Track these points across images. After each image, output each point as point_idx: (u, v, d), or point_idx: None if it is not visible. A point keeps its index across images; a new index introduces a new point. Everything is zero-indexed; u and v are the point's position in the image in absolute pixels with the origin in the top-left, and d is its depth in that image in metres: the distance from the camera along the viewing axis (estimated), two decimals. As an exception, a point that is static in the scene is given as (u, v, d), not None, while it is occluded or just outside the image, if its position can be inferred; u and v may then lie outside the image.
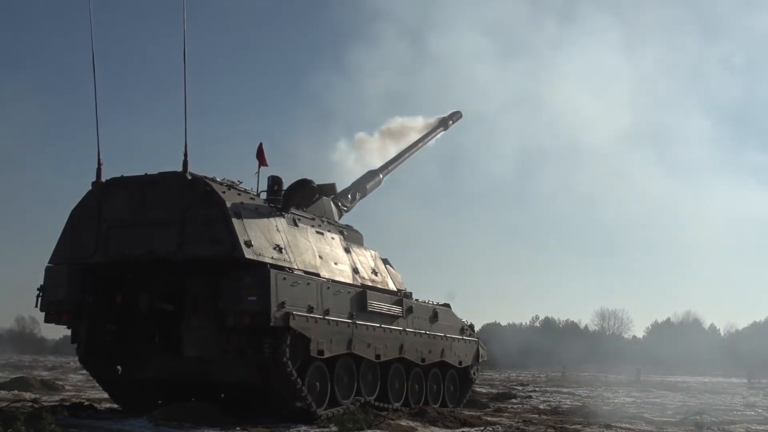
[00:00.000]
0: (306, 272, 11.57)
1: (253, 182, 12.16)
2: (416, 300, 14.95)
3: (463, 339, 16.41)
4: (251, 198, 11.63)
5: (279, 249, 11.15)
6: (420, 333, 14.46)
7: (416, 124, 20.16)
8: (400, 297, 14.20)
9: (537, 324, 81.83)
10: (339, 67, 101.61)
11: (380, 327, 13.06)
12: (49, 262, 11.68)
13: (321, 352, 11.44)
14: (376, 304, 13.04)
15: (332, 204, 14.93)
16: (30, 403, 12.38)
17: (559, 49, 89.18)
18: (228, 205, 10.67)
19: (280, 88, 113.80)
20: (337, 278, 12.43)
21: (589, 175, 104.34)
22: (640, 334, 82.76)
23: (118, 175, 11.61)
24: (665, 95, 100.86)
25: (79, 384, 22.38)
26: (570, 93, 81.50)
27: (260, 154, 12.26)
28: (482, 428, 11.92)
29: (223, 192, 10.91)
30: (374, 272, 14.03)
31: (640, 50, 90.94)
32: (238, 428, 10.21)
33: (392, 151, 19.00)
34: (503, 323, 79.41)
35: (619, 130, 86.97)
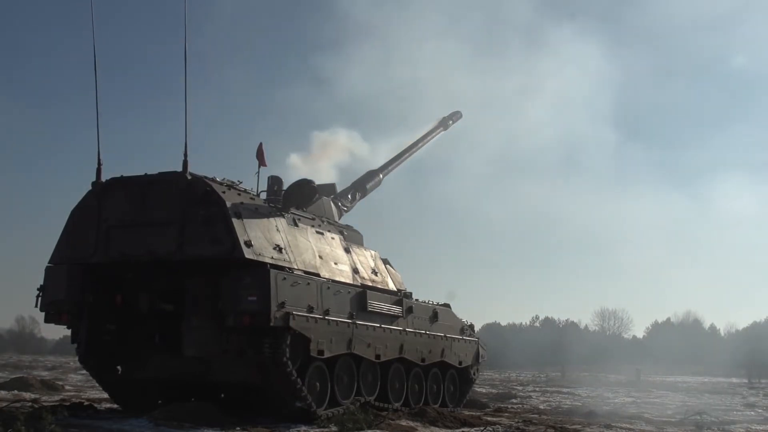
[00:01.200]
0: (306, 272, 11.56)
1: (253, 182, 12.18)
2: (416, 300, 14.94)
3: (463, 339, 16.40)
4: (251, 198, 11.62)
5: (279, 249, 11.14)
6: (420, 333, 14.45)
7: (340, 140, 19.40)
8: (400, 297, 14.19)
9: (537, 324, 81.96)
10: (315, 76, 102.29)
11: (380, 327, 13.05)
12: (49, 262, 11.67)
13: (321, 352, 11.43)
14: (376, 304, 13.03)
15: (332, 204, 14.92)
16: (30, 403, 12.39)
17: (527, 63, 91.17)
18: (228, 205, 10.66)
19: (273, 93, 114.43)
20: (337, 278, 12.42)
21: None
22: (640, 334, 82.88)
23: (118, 175, 11.61)
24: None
25: (79, 384, 22.38)
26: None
27: (260, 154, 12.26)
28: (482, 428, 11.91)
29: (223, 192, 10.90)
30: (374, 272, 14.03)
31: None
32: (238, 428, 10.20)
33: (331, 174, 18.16)
34: (503, 323, 79.62)
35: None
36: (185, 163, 10.95)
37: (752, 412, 18.68)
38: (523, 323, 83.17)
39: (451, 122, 21.93)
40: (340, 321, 11.93)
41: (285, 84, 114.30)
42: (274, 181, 12.56)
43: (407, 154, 19.61)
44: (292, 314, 10.71)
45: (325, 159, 17.81)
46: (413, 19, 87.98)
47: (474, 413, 14.94)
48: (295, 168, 15.96)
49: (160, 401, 11.95)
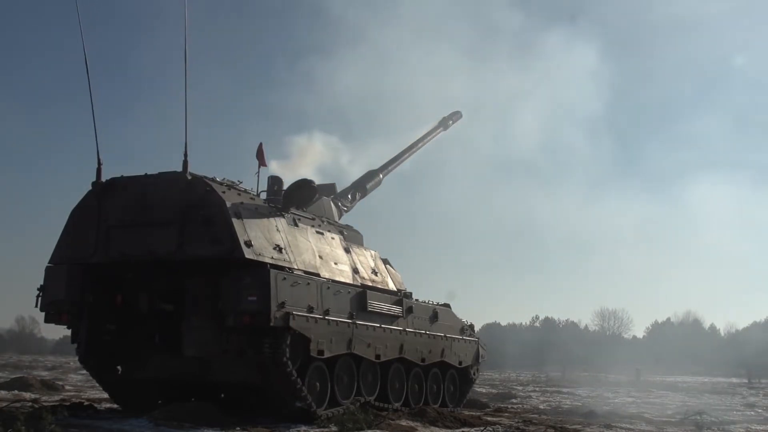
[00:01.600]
0: (306, 272, 11.56)
1: (253, 182, 12.17)
2: (416, 300, 14.94)
3: (463, 339, 16.40)
4: (251, 198, 11.62)
5: (279, 249, 11.14)
6: (420, 333, 14.45)
7: (316, 146, 19.06)
8: (400, 297, 14.19)
9: (537, 324, 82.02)
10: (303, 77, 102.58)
11: (380, 327, 13.05)
12: (49, 262, 11.66)
13: (321, 352, 11.43)
14: (376, 304, 13.03)
15: (332, 204, 14.92)
16: (30, 403, 12.38)
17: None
18: (228, 205, 10.66)
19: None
20: (337, 278, 12.42)
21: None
22: (640, 334, 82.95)
23: (118, 175, 11.61)
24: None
25: (79, 384, 22.38)
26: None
27: (260, 154, 12.25)
28: (482, 428, 11.91)
29: (223, 192, 10.89)
30: (374, 272, 14.02)
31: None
32: (238, 428, 10.19)
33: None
34: (503, 323, 79.71)
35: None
36: (185, 163, 10.94)
37: (752, 412, 18.68)
38: (523, 323, 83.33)
39: (451, 122, 21.91)
40: (340, 321, 11.93)
41: (279, 86, 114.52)
42: (274, 181, 12.55)
43: (407, 154, 19.60)
44: (292, 314, 10.70)
45: (303, 166, 17.57)
46: (404, 24, 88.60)
47: (474, 413, 14.94)
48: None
49: (160, 401, 11.94)
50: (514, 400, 21.29)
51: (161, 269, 11.20)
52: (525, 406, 19.48)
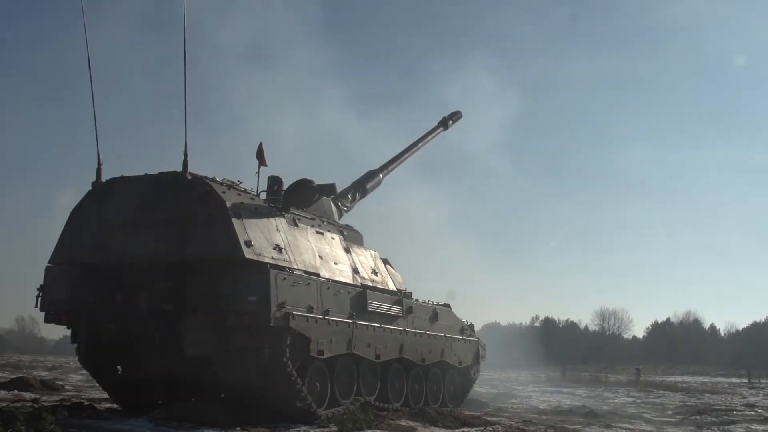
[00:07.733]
0: (306, 272, 11.56)
1: (253, 182, 12.17)
2: (416, 300, 14.94)
3: (463, 339, 16.40)
4: (251, 198, 11.62)
5: (279, 249, 11.14)
6: (420, 333, 14.45)
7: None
8: (400, 297, 14.19)
9: (537, 324, 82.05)
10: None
11: (380, 327, 13.05)
12: (49, 262, 11.66)
13: (321, 352, 11.42)
14: (376, 304, 13.03)
15: (332, 204, 14.91)
16: (30, 403, 12.37)
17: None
18: (228, 205, 10.66)
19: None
20: (337, 278, 12.41)
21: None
22: (640, 334, 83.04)
23: (118, 175, 11.61)
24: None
25: (79, 384, 22.36)
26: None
27: (260, 154, 12.25)
28: (482, 428, 11.92)
29: (223, 192, 10.90)
30: (374, 272, 14.02)
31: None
32: (238, 428, 10.20)
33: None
34: (503, 323, 79.74)
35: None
36: (185, 163, 10.95)
37: (752, 412, 18.68)
38: (523, 323, 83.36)
39: (451, 122, 21.92)
40: (340, 321, 11.92)
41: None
42: (274, 181, 12.54)
43: (407, 154, 19.60)
44: (292, 314, 10.70)
45: None
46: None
47: (474, 413, 14.93)
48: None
49: (160, 401, 11.94)
50: (514, 400, 21.28)
51: (161, 269, 11.18)
52: (525, 406, 19.47)
